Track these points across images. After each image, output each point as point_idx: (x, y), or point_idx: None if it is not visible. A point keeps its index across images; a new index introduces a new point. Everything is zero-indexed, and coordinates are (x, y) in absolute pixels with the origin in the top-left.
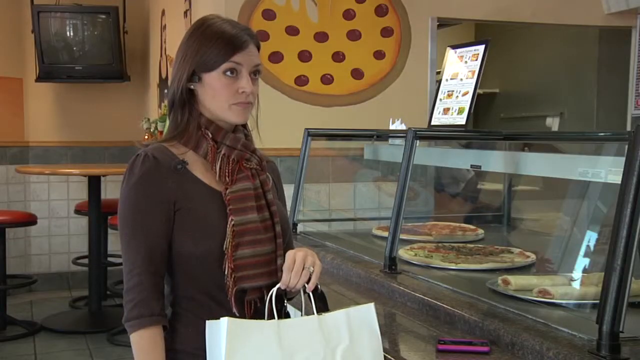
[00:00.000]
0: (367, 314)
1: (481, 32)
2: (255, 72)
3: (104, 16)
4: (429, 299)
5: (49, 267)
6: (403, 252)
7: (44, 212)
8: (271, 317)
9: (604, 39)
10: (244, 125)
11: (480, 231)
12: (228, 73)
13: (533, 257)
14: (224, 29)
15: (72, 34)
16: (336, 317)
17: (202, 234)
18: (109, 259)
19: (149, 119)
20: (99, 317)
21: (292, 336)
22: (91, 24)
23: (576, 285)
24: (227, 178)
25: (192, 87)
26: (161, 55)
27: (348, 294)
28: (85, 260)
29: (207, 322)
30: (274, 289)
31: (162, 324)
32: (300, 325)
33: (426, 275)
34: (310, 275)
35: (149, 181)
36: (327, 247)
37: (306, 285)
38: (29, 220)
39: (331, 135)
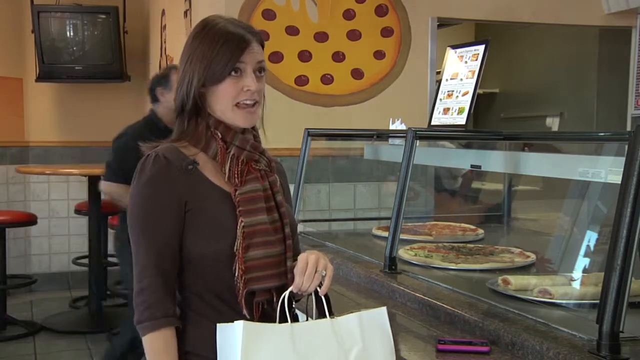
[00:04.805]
0: (379, 317)
1: (481, 32)
2: (259, 70)
3: (104, 16)
4: (429, 299)
5: (49, 267)
6: (403, 252)
7: (44, 212)
8: (283, 320)
9: (604, 39)
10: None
11: (480, 231)
12: (232, 73)
13: (533, 257)
14: (227, 30)
15: (72, 34)
16: (349, 320)
17: (213, 234)
18: (109, 259)
19: None
20: (99, 317)
21: (306, 340)
22: (91, 24)
23: (576, 285)
24: (236, 179)
25: (201, 90)
26: (161, 55)
27: (348, 294)
28: (85, 260)
29: (218, 325)
30: (286, 292)
31: (175, 325)
32: (314, 328)
33: (426, 275)
34: (323, 278)
35: (160, 181)
36: (327, 247)
37: (318, 289)
38: (29, 220)
39: (331, 135)
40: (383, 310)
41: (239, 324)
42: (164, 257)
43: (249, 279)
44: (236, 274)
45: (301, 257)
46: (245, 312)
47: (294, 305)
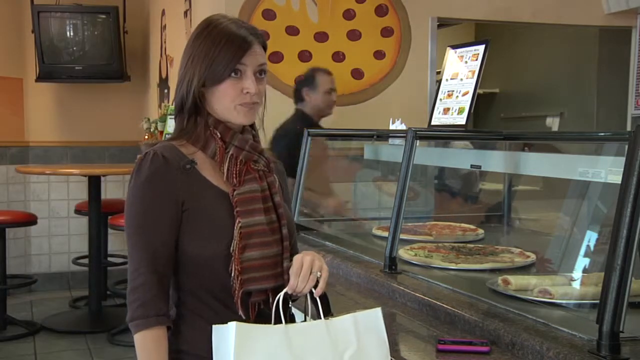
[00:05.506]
0: (374, 318)
1: (481, 32)
2: (260, 72)
3: (104, 16)
4: (429, 299)
5: (49, 267)
6: (403, 252)
7: (44, 212)
8: (278, 321)
9: (604, 39)
10: (252, 126)
11: (480, 231)
12: (232, 74)
13: (533, 257)
14: (230, 30)
15: (72, 34)
16: (344, 321)
17: (210, 234)
18: (109, 259)
19: (149, 119)
20: (99, 317)
21: (301, 341)
22: (91, 24)
23: (576, 285)
24: (234, 179)
25: (201, 89)
26: (161, 55)
27: (348, 294)
28: (85, 260)
29: (213, 326)
30: (281, 294)
31: (167, 325)
32: (308, 330)
33: (426, 275)
34: (318, 280)
35: (158, 180)
36: (327, 247)
37: (313, 290)
38: (29, 220)
39: (331, 135)
40: (378, 310)
41: (232, 325)
42: (159, 256)
43: (245, 280)
44: (232, 275)
45: (296, 259)
46: (241, 312)
47: (291, 305)
